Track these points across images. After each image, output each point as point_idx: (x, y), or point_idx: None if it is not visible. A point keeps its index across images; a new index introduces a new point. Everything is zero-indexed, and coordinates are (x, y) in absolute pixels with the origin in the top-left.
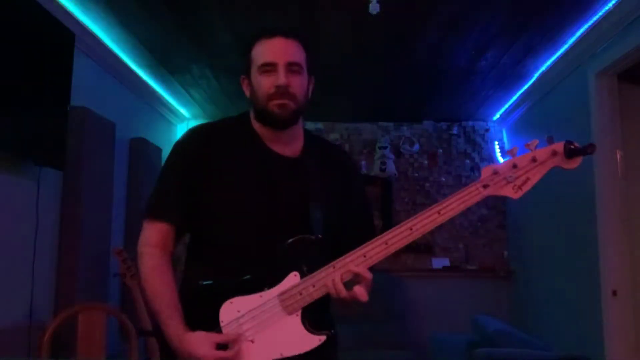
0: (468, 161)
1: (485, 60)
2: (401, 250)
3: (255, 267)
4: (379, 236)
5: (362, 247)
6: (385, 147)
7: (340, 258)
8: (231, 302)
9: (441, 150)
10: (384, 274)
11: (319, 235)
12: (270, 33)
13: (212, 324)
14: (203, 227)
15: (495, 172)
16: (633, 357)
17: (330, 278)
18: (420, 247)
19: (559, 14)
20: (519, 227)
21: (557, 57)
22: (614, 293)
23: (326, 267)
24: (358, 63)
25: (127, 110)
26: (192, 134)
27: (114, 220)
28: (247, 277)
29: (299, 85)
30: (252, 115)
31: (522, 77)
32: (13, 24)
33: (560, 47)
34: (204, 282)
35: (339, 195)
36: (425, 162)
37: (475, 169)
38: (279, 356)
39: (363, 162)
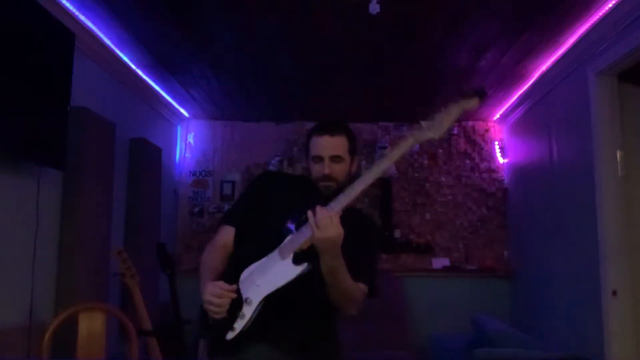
0: (468, 161)
1: (485, 60)
2: (400, 249)
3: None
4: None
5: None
6: (385, 147)
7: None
8: (248, 268)
9: (441, 150)
10: (384, 274)
11: (309, 211)
12: (322, 130)
13: (235, 281)
14: (247, 235)
15: (420, 127)
16: (633, 357)
17: (308, 225)
18: (421, 247)
19: (559, 14)
20: (519, 227)
21: (557, 57)
22: (614, 293)
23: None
24: (358, 63)
25: (127, 110)
26: (267, 175)
27: (114, 220)
28: (258, 257)
29: (339, 171)
30: None
31: (522, 77)
32: (13, 24)
33: (560, 47)
34: (233, 267)
35: (352, 235)
36: (425, 162)
37: (476, 169)
38: (274, 288)
39: (363, 162)
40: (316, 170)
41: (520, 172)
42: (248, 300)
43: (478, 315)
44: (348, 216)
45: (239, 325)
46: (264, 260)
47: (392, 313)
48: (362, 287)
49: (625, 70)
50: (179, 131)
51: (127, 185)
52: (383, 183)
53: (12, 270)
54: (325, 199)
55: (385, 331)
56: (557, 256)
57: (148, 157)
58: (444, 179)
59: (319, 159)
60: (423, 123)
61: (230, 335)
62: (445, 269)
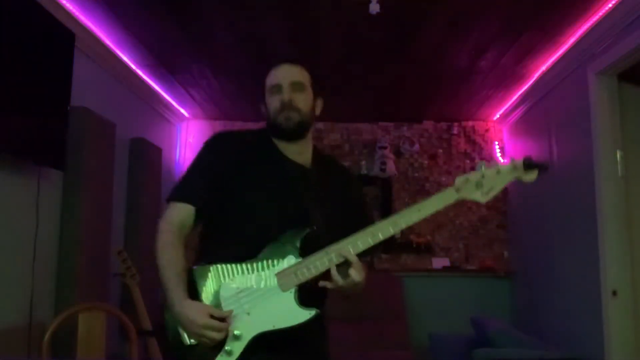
0: (468, 161)
1: (485, 60)
2: (400, 249)
3: (258, 252)
4: (367, 227)
5: (352, 236)
6: (385, 147)
7: (333, 244)
8: (232, 280)
9: (441, 150)
10: (384, 273)
11: (314, 227)
12: (278, 61)
13: (214, 298)
14: (219, 217)
15: (467, 180)
16: (633, 357)
17: (323, 260)
18: (421, 247)
19: (559, 14)
20: (519, 227)
21: (557, 57)
22: (614, 293)
23: (320, 251)
24: (358, 63)
25: (127, 110)
26: (222, 135)
27: (114, 220)
28: (251, 259)
29: (303, 100)
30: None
31: (522, 77)
32: (13, 24)
33: (560, 47)
34: (212, 264)
35: (339, 199)
36: (425, 162)
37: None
38: (271, 327)
39: (363, 162)
40: (274, 101)
41: None
42: (237, 335)
43: (478, 315)
44: (332, 166)
45: None
46: (253, 276)
47: (392, 313)
48: (365, 266)
49: (625, 70)
50: (179, 131)
51: (127, 185)
52: (383, 183)
53: (12, 270)
54: (297, 168)
55: (385, 331)
56: (557, 256)
57: (148, 157)
58: (444, 179)
59: (277, 87)
60: (470, 176)
61: None
62: (445, 269)
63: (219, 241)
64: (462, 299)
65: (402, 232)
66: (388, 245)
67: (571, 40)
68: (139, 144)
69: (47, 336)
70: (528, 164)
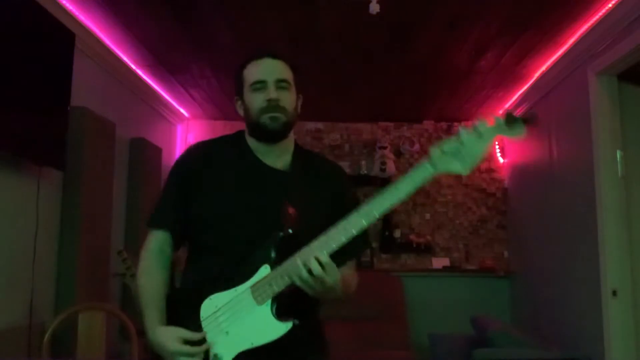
0: None
1: (485, 60)
2: (400, 249)
3: (236, 267)
4: (339, 221)
5: (323, 233)
6: (385, 147)
7: (303, 248)
8: (210, 299)
9: None
10: (384, 273)
11: (289, 231)
12: (260, 54)
13: (195, 320)
14: (196, 235)
15: (443, 152)
16: (633, 357)
17: (294, 267)
18: (421, 247)
19: (559, 14)
20: (519, 227)
21: (557, 57)
22: (614, 293)
23: (291, 257)
24: (358, 63)
25: (127, 110)
26: (189, 150)
27: (114, 220)
28: (225, 275)
29: (289, 99)
30: (246, 132)
31: (522, 77)
32: (13, 24)
33: (560, 47)
34: (188, 286)
35: (324, 198)
36: None
37: (476, 169)
38: (249, 346)
39: (363, 162)
40: (258, 99)
41: (520, 172)
42: (217, 356)
43: (478, 315)
44: (317, 167)
45: None
46: (230, 292)
47: (392, 313)
48: (353, 268)
49: (625, 70)
50: (179, 131)
51: (127, 185)
52: (383, 183)
53: (12, 270)
54: (274, 175)
55: (385, 331)
56: (557, 256)
57: (148, 157)
58: (444, 179)
59: (261, 84)
60: (445, 145)
61: None
62: (445, 268)
63: (199, 259)
64: (462, 299)
65: (402, 232)
66: (388, 245)
67: (571, 40)
68: (139, 144)
69: (47, 336)
70: (511, 118)
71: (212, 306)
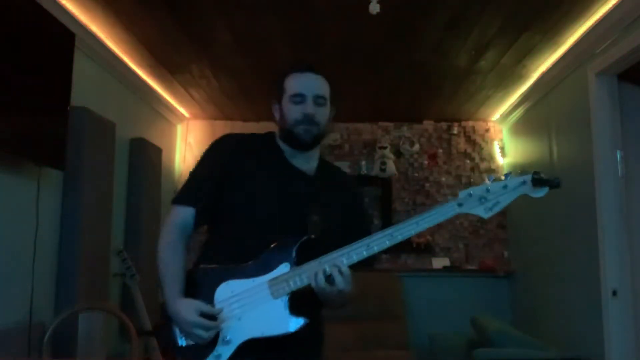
0: (468, 161)
1: (485, 60)
2: (400, 249)
3: (256, 258)
4: (363, 239)
5: (346, 247)
6: (385, 147)
7: (327, 254)
8: (227, 284)
9: (441, 150)
10: (384, 273)
11: (312, 236)
12: (302, 68)
13: (210, 301)
14: (221, 221)
15: (470, 195)
16: (633, 357)
17: (314, 270)
18: (421, 247)
19: (559, 14)
20: (519, 227)
21: (557, 57)
22: (614, 293)
23: (313, 261)
24: (358, 63)
25: (127, 110)
26: (225, 139)
27: (114, 220)
28: (246, 264)
29: (323, 115)
30: (277, 134)
31: (522, 77)
32: (13, 24)
33: (560, 47)
34: (209, 266)
35: (340, 209)
36: (425, 162)
37: (476, 169)
38: (260, 334)
39: (363, 162)
40: (295, 111)
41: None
42: (227, 340)
43: (478, 315)
44: (336, 176)
45: None
46: (247, 282)
47: (392, 313)
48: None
49: (625, 70)
50: (179, 131)
51: (127, 185)
52: (383, 183)
53: (12, 270)
54: (301, 176)
55: (385, 331)
56: (557, 256)
57: (148, 157)
58: (444, 179)
59: (301, 97)
60: (474, 190)
61: None
62: (445, 269)
63: (218, 244)
64: (462, 299)
65: None
66: None
67: (571, 40)
68: (139, 144)
69: (47, 336)
70: (538, 180)
71: (228, 291)
